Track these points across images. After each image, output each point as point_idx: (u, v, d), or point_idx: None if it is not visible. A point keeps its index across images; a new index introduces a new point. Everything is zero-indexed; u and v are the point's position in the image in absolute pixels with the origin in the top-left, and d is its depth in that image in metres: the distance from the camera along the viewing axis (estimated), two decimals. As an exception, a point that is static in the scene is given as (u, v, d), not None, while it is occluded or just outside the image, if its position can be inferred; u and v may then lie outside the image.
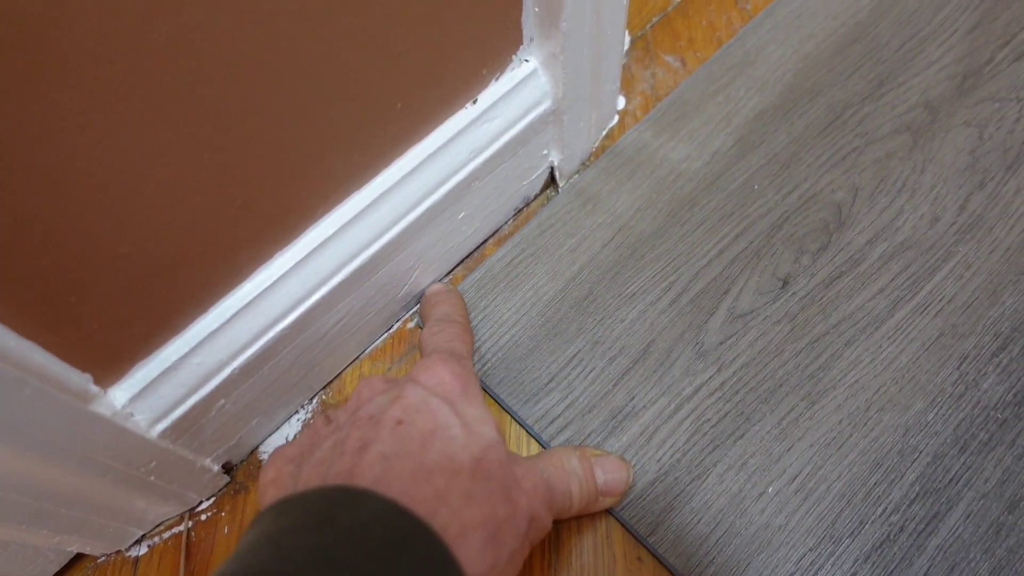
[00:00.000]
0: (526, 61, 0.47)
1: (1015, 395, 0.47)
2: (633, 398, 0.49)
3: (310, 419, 0.51)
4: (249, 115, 0.34)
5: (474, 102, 0.46)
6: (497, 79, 0.47)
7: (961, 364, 0.49)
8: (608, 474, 0.43)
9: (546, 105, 0.49)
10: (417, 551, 0.29)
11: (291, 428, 0.51)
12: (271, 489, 0.35)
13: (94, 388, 0.37)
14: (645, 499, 0.46)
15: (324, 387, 0.52)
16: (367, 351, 0.53)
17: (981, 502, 0.45)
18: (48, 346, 0.33)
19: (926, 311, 0.50)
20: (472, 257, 0.56)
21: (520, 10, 0.44)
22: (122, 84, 0.28)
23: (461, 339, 0.45)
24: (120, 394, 0.39)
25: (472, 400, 0.37)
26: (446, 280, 0.55)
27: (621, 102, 0.61)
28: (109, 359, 0.37)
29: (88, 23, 0.26)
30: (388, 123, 0.42)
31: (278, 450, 0.38)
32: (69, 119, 0.28)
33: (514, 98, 0.47)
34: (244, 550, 0.29)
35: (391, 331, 0.54)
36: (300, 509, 0.30)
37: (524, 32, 0.45)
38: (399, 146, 0.44)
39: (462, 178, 0.47)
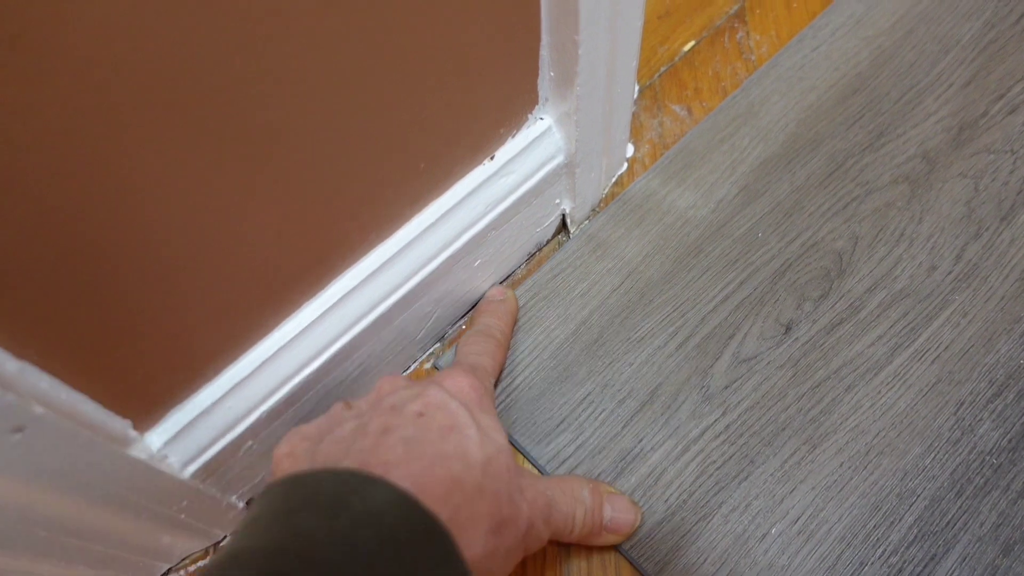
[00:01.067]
0: (541, 119, 0.50)
1: (1010, 440, 0.49)
2: (641, 440, 0.50)
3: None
4: (289, 180, 0.36)
5: (492, 158, 0.49)
6: (514, 136, 0.49)
7: (958, 410, 0.50)
8: (616, 512, 0.45)
9: (559, 159, 0.51)
10: (425, 544, 0.30)
11: (312, 465, 0.53)
12: (285, 462, 0.36)
13: (133, 433, 0.39)
14: (653, 538, 0.48)
15: (344, 425, 0.54)
16: (385, 391, 0.55)
17: (977, 545, 0.46)
18: (95, 396, 0.35)
19: (924, 358, 0.52)
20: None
21: (536, 75, 0.46)
22: (176, 150, 0.31)
23: (491, 355, 0.47)
24: (156, 438, 0.41)
25: (486, 410, 0.39)
26: (460, 324, 0.57)
27: (630, 150, 0.63)
28: (147, 406, 0.40)
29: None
30: (411, 181, 0.44)
31: (295, 428, 0.38)
32: (141, 182, 0.30)
33: (529, 154, 0.50)
34: (253, 524, 0.30)
35: (408, 372, 0.56)
36: (312, 488, 0.31)
37: (540, 93, 0.48)
38: (421, 201, 0.46)
39: (479, 229, 0.49)
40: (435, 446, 0.34)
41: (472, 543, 0.32)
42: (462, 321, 0.57)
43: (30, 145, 0.26)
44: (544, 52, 0.45)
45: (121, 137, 0.29)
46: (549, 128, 0.50)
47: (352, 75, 0.35)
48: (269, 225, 0.38)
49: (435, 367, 0.56)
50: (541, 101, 0.49)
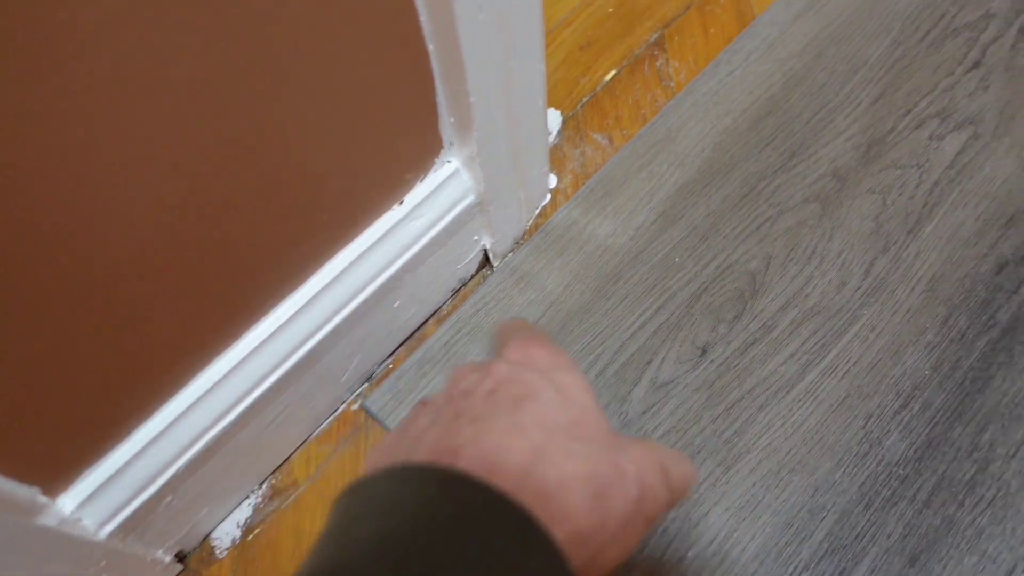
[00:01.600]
0: (448, 162, 0.51)
1: (915, 451, 0.51)
2: (562, 470, 0.52)
3: (260, 503, 0.54)
4: (192, 244, 0.37)
5: (400, 203, 0.50)
6: (422, 180, 0.50)
7: (866, 423, 0.52)
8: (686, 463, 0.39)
9: (470, 199, 0.53)
10: (496, 525, 0.27)
11: (242, 513, 0.53)
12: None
13: (42, 499, 0.39)
14: (574, 568, 0.49)
15: (273, 472, 0.55)
16: (314, 435, 0.56)
17: (885, 557, 0.48)
18: (-3, 467, 0.36)
19: (834, 373, 0.54)
20: (414, 338, 0.59)
21: (437, 122, 0.48)
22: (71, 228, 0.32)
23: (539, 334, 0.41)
24: (68, 501, 0.42)
25: (564, 368, 0.34)
26: (387, 363, 0.58)
27: (553, 181, 0.65)
28: (57, 470, 0.40)
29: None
30: (314, 234, 0.45)
31: (376, 446, 0.36)
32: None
33: (439, 196, 0.51)
34: (316, 546, 0.28)
35: (336, 413, 0.57)
36: (368, 492, 0.29)
37: (443, 139, 0.49)
38: (328, 251, 0.47)
39: (393, 272, 0.51)
40: (508, 418, 0.30)
41: (569, 513, 0.28)
42: (389, 359, 0.58)
43: None
44: (441, 101, 0.46)
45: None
46: (457, 170, 0.51)
47: (244, 140, 0.36)
48: (177, 282, 0.39)
49: (363, 407, 0.57)
50: (446, 146, 0.50)
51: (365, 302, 0.50)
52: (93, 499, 0.42)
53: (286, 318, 0.47)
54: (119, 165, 0.32)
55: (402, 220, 0.50)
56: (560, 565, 0.26)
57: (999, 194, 0.60)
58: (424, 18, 0.40)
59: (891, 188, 0.61)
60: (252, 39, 0.33)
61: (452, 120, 0.48)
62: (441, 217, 0.52)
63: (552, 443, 0.29)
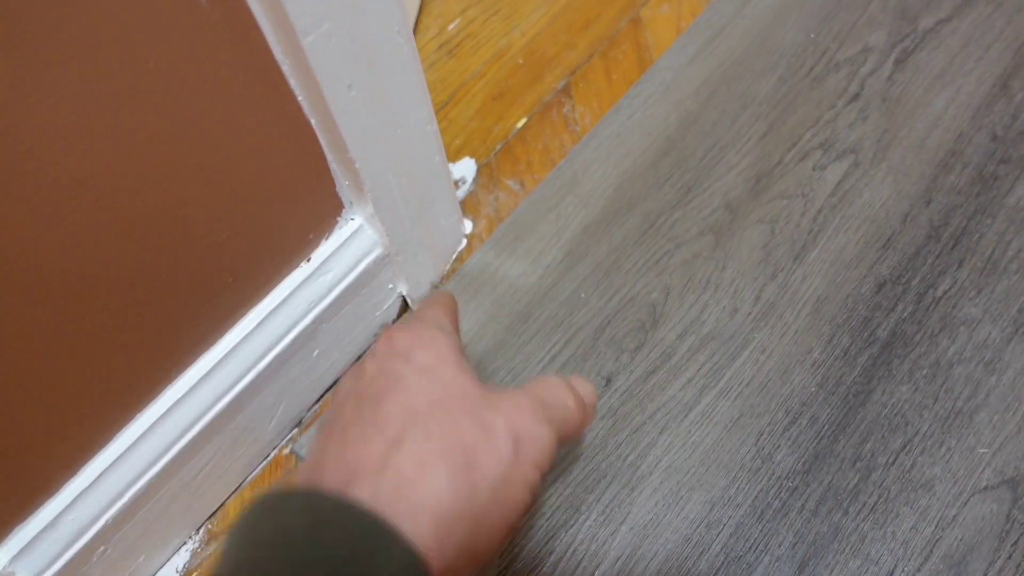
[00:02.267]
0: (352, 219, 0.55)
1: (803, 464, 0.55)
2: (476, 501, 0.55)
3: (197, 548, 0.57)
4: (96, 309, 0.41)
5: (308, 260, 0.54)
6: (327, 238, 0.54)
7: (758, 440, 0.56)
8: (587, 388, 0.39)
9: (377, 252, 0.57)
10: (344, 536, 0.27)
11: (180, 558, 0.56)
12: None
13: (-29, 558, 0.42)
14: (488, 594, 0.52)
15: (209, 517, 0.58)
16: (247, 480, 0.59)
17: (776, 564, 0.51)
18: (-81, 532, 0.39)
19: (727, 395, 0.58)
20: (338, 382, 0.63)
21: (333, 185, 0.52)
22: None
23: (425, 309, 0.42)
24: (2, 556, 0.44)
25: (426, 344, 0.34)
26: (315, 407, 0.61)
27: (468, 226, 0.69)
28: (-16, 530, 0.43)
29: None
30: (221, 294, 0.49)
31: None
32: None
33: (345, 252, 0.55)
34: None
35: (268, 459, 0.60)
36: (241, 525, 0.30)
37: (343, 198, 0.53)
38: (239, 309, 0.51)
39: (306, 325, 0.54)
40: (371, 418, 0.31)
41: (432, 496, 0.28)
42: (317, 405, 0.62)
43: None
44: (333, 167, 0.50)
45: None
46: (360, 227, 0.55)
47: (151, 214, 0.40)
48: (94, 346, 0.42)
49: (293, 452, 0.60)
50: (347, 205, 0.54)
51: (281, 354, 0.54)
52: (25, 552, 0.45)
53: (204, 373, 0.50)
54: (21, 234, 0.36)
55: (311, 276, 0.54)
56: (416, 565, 0.27)
57: (877, 217, 0.65)
58: (300, 97, 0.44)
59: (778, 218, 0.66)
60: (150, 120, 0.37)
61: (347, 183, 0.52)
62: (349, 271, 0.56)
63: (411, 429, 0.30)
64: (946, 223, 0.64)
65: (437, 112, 0.76)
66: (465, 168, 0.73)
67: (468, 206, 0.71)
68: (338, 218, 0.54)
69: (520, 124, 0.76)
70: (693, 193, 0.68)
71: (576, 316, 0.62)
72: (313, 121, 0.46)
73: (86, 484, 0.47)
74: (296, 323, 0.54)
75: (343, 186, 0.52)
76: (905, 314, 0.60)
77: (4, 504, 0.44)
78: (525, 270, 0.65)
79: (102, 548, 0.49)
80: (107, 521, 0.48)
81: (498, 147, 0.74)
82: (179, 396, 0.50)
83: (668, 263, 0.64)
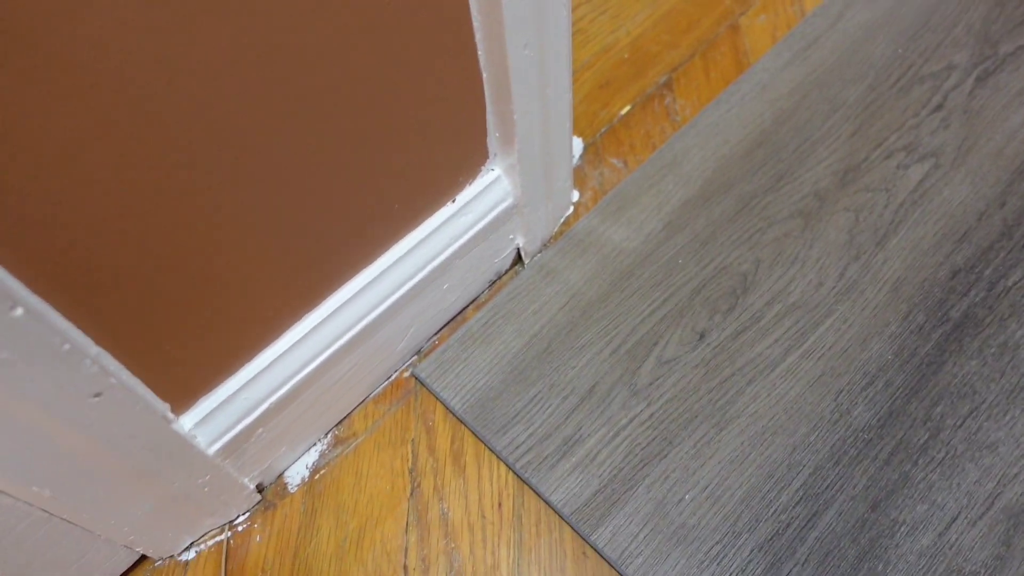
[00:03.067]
0: (492, 170, 0.63)
1: (879, 420, 0.60)
2: (580, 428, 0.62)
3: (325, 449, 0.64)
4: (296, 220, 0.49)
5: (453, 201, 0.61)
6: (471, 183, 0.62)
7: (837, 397, 0.62)
8: None
9: (508, 202, 0.64)
10: None
11: (310, 457, 0.64)
12: None
13: (171, 415, 0.50)
14: (589, 506, 0.58)
15: (337, 424, 0.65)
16: (371, 395, 0.66)
17: (850, 503, 0.57)
18: (146, 381, 0.47)
19: (811, 356, 0.64)
20: (456, 320, 0.70)
21: (485, 135, 0.59)
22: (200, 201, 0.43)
23: None
24: (188, 420, 0.52)
25: None
26: (434, 339, 0.69)
27: (575, 196, 0.76)
28: (182, 394, 0.51)
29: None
30: (389, 218, 0.57)
31: None
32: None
33: (484, 198, 0.63)
34: None
35: (390, 380, 0.67)
36: None
37: (489, 149, 0.61)
38: (396, 235, 0.59)
39: (445, 258, 0.62)
40: None
41: None
42: (436, 336, 0.69)
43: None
44: (490, 118, 0.58)
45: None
46: (499, 177, 0.63)
47: (337, 147, 0.48)
48: (280, 252, 0.50)
49: (413, 375, 0.67)
50: (491, 155, 0.62)
51: (421, 281, 0.61)
52: (206, 421, 0.53)
53: (358, 288, 0.58)
54: (255, 165, 0.44)
55: (454, 215, 0.61)
56: None
57: (955, 214, 0.71)
58: (481, 50, 0.52)
59: (863, 207, 0.72)
60: (362, 54, 0.45)
61: (497, 135, 0.60)
62: (485, 214, 0.63)
63: None
64: (1019, 223, 0.69)
65: (549, 93, 0.84)
66: (574, 145, 0.80)
67: (575, 179, 0.78)
68: (482, 166, 0.62)
69: (624, 111, 0.83)
70: (785, 180, 0.74)
71: (674, 278, 0.69)
72: (486, 74, 0.54)
73: (258, 370, 0.55)
74: (437, 255, 0.61)
75: (493, 137, 0.60)
76: (977, 299, 0.65)
77: (195, 377, 0.52)
78: (628, 235, 0.72)
79: (260, 430, 0.57)
80: (270, 405, 0.56)
81: (603, 129, 0.82)
82: (338, 305, 0.57)
83: (760, 239, 0.71)
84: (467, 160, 0.60)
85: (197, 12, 0.36)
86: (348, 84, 0.46)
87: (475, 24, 0.50)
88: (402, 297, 0.60)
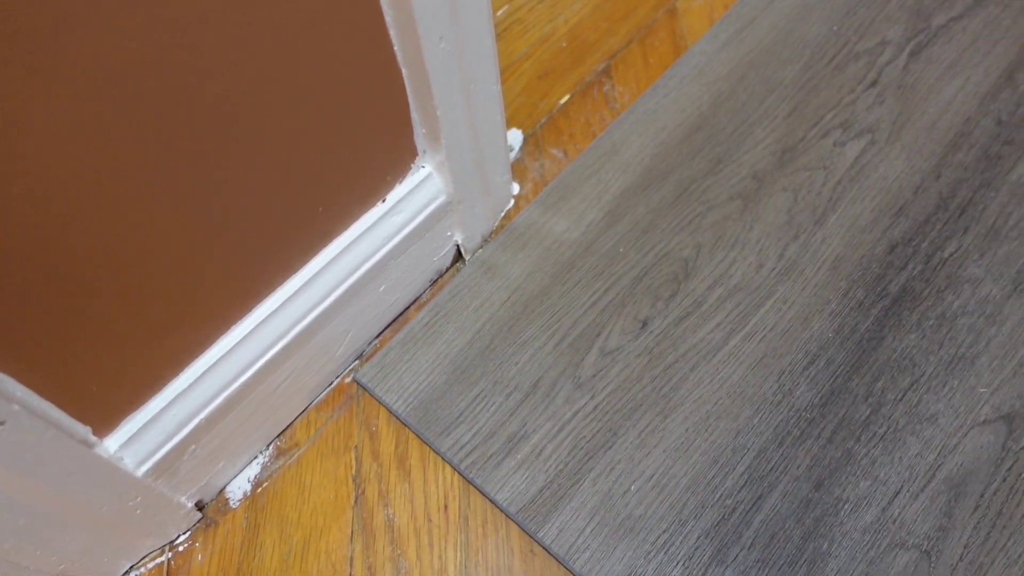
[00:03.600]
0: (423, 167, 0.62)
1: (820, 399, 0.61)
2: (525, 424, 0.61)
3: (267, 461, 0.63)
4: (214, 230, 0.47)
5: (383, 200, 0.60)
6: (401, 182, 0.61)
7: (780, 378, 0.62)
8: None
9: (442, 199, 0.63)
10: None
11: (252, 470, 0.62)
12: None
13: (93, 438, 0.48)
14: (535, 503, 0.57)
15: (278, 435, 0.64)
16: (313, 403, 0.65)
17: (794, 484, 0.57)
18: (60, 404, 0.45)
19: (752, 338, 0.64)
20: (398, 321, 0.69)
21: (411, 131, 0.58)
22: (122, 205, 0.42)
23: None
24: (112, 442, 0.50)
25: None
26: (375, 342, 0.68)
27: (515, 188, 0.75)
28: (103, 414, 0.49)
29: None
30: (315, 221, 0.55)
31: None
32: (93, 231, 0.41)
33: (415, 196, 0.61)
34: None
35: (332, 386, 0.66)
36: None
37: (417, 146, 0.60)
38: (326, 237, 0.57)
39: (379, 259, 0.60)
40: None
41: None
42: (377, 339, 0.68)
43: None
44: (414, 115, 0.57)
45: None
46: (430, 174, 0.62)
47: (257, 145, 0.47)
48: (201, 259, 0.49)
49: (355, 380, 0.66)
50: (420, 153, 0.60)
51: (356, 283, 0.60)
52: (132, 441, 0.51)
53: (290, 294, 0.57)
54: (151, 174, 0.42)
55: (385, 215, 0.60)
56: None
57: (891, 189, 0.71)
58: (397, 46, 0.51)
59: (801, 187, 0.72)
60: (276, 53, 0.44)
61: (424, 131, 0.59)
62: (418, 213, 0.62)
63: None
64: (953, 195, 0.70)
65: (487, 86, 0.83)
66: (513, 137, 0.79)
67: (515, 171, 0.77)
68: (411, 164, 0.61)
69: (563, 100, 0.82)
70: (723, 164, 0.74)
71: (615, 267, 0.69)
72: (405, 71, 0.53)
73: (186, 385, 0.53)
74: (370, 257, 0.60)
75: (419, 134, 0.59)
76: (915, 272, 0.66)
77: (118, 396, 0.50)
78: (568, 227, 0.72)
79: (193, 447, 0.55)
80: (200, 420, 0.54)
81: (543, 120, 0.81)
82: (269, 312, 0.56)
83: (700, 224, 0.71)
84: (394, 158, 0.59)
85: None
86: (258, 83, 0.44)
87: (387, 18, 0.49)
88: (336, 301, 0.59)
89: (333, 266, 0.58)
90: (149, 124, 0.40)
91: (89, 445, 0.48)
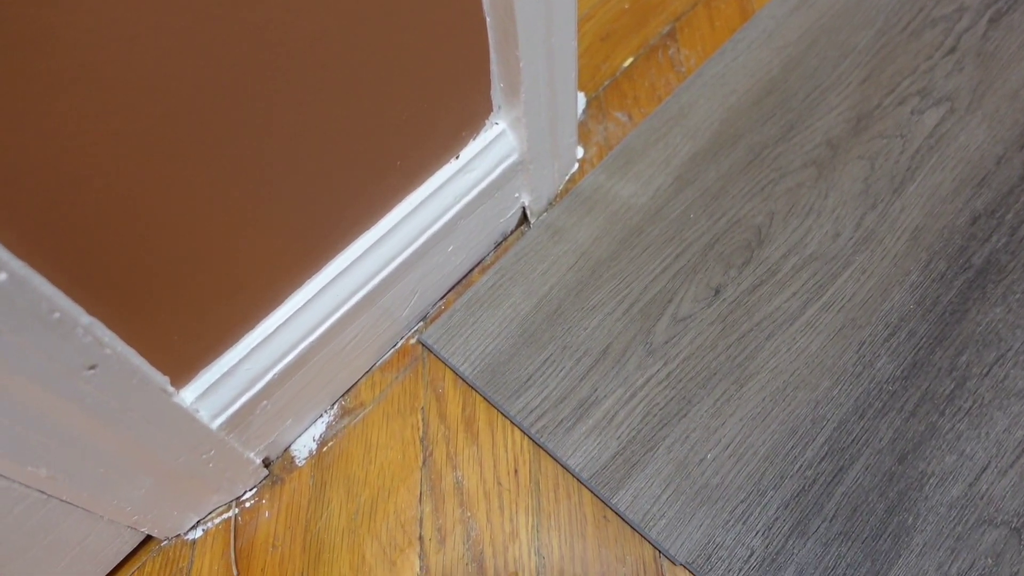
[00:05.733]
0: (496, 124, 0.60)
1: (903, 371, 0.59)
2: (596, 390, 0.60)
3: (332, 420, 0.62)
4: (295, 181, 0.46)
5: (457, 157, 0.58)
6: (475, 139, 0.59)
7: (860, 349, 0.60)
8: None
9: (514, 158, 0.61)
10: None
11: (317, 429, 0.61)
12: None
13: (171, 388, 0.47)
14: (608, 469, 0.56)
15: (343, 394, 0.63)
16: (377, 364, 0.64)
17: (876, 456, 0.55)
18: (142, 352, 0.44)
19: (831, 308, 0.62)
20: (462, 283, 0.67)
21: (489, 86, 0.56)
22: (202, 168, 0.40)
23: None
24: (189, 394, 0.50)
25: None
26: (439, 304, 0.66)
27: (580, 152, 0.74)
28: (182, 366, 0.49)
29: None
30: (391, 176, 0.54)
31: None
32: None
33: (488, 153, 0.60)
34: None
35: (396, 347, 0.65)
36: None
37: (494, 102, 0.58)
38: (398, 195, 0.56)
39: (449, 218, 0.59)
40: None
41: None
42: (442, 302, 0.66)
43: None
44: (494, 67, 0.55)
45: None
46: (504, 131, 0.60)
47: (338, 95, 0.45)
48: (277, 214, 0.47)
49: (420, 341, 0.65)
50: (495, 108, 0.59)
51: (426, 243, 0.58)
52: (208, 394, 0.50)
53: (363, 250, 0.55)
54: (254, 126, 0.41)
55: (459, 172, 0.58)
56: None
57: (973, 159, 0.69)
58: (489, -6, 0.49)
59: (878, 155, 0.70)
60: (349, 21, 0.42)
61: (502, 85, 0.57)
62: (491, 171, 0.60)
63: None
64: (1039, 166, 0.67)
65: (548, 47, 0.81)
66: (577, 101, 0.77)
67: (579, 135, 0.75)
68: (486, 120, 0.59)
69: (627, 63, 0.80)
70: (796, 130, 0.72)
71: (686, 233, 0.67)
72: (490, 19, 0.51)
73: (260, 339, 0.52)
74: (441, 215, 0.58)
75: (497, 89, 0.57)
76: (999, 245, 0.64)
77: (195, 348, 0.49)
78: (636, 191, 0.70)
79: (265, 402, 0.54)
80: (273, 376, 0.53)
81: (606, 83, 0.79)
82: (340, 270, 0.55)
83: (773, 191, 0.68)
84: (471, 113, 0.57)
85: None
86: (341, 31, 0.43)
87: (477, -38, 0.47)
88: (406, 261, 0.58)
89: (404, 225, 0.57)
90: (227, 73, 0.39)
91: (168, 395, 0.47)
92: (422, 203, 0.57)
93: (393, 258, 0.57)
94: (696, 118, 0.74)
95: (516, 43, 0.51)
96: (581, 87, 0.78)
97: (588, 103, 0.77)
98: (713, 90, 0.75)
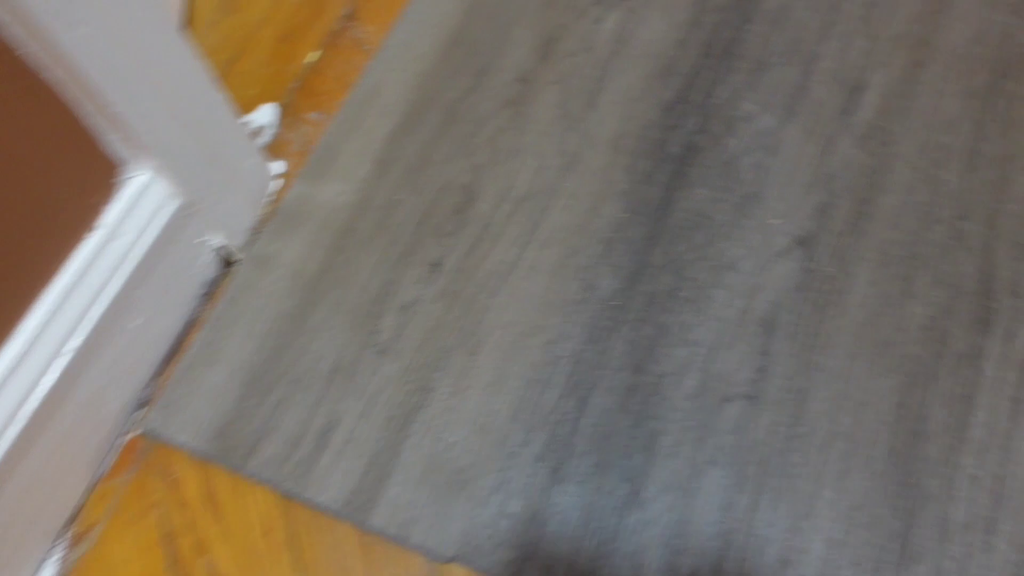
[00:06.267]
0: (136, 176, 0.55)
1: (624, 282, 0.57)
2: (332, 414, 0.56)
3: (65, 555, 0.55)
4: None
5: (93, 229, 0.53)
6: (110, 202, 0.54)
7: (581, 274, 0.58)
8: None
9: (177, 203, 0.56)
10: None
11: (48, 571, 0.54)
12: None
13: None
14: (359, 493, 0.53)
15: (69, 523, 0.56)
16: (101, 472, 0.57)
17: (615, 375, 0.54)
18: None
19: (548, 244, 0.60)
20: (178, 351, 0.62)
21: (94, 144, 0.51)
22: None
23: None
24: None
25: None
26: (154, 383, 0.61)
27: (281, 166, 0.69)
28: None
29: None
30: (12, 277, 0.48)
31: None
32: None
33: (137, 211, 0.55)
34: None
35: (116, 446, 0.58)
36: None
37: (116, 157, 0.53)
38: (29, 293, 0.50)
39: (116, 294, 0.54)
40: None
41: None
42: (161, 377, 0.61)
43: None
44: (92, 122, 0.49)
45: None
46: (151, 181, 0.55)
47: None
48: None
49: (144, 433, 0.59)
50: (122, 162, 0.53)
51: (93, 332, 0.53)
52: None
53: (8, 367, 0.49)
54: None
55: (105, 243, 0.53)
56: None
57: (656, 51, 0.67)
58: (29, 52, 0.43)
59: (569, 75, 0.68)
60: None
61: (116, 136, 0.51)
62: (146, 227, 0.55)
63: None
64: (715, 38, 0.66)
65: (228, 68, 0.76)
66: (266, 114, 0.72)
67: (279, 148, 0.70)
68: (114, 179, 0.54)
69: (312, 58, 0.75)
70: (487, 74, 0.69)
71: (395, 217, 0.63)
72: (47, 74, 0.45)
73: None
74: (98, 295, 0.53)
75: (112, 141, 0.52)
76: (693, 127, 0.62)
77: None
78: (340, 189, 0.66)
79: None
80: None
81: (293, 85, 0.74)
82: (-4, 389, 0.49)
83: (474, 144, 0.66)
84: (87, 179, 0.52)
85: None
86: None
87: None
88: (71, 362, 0.52)
89: (51, 325, 0.51)
90: None
91: None
92: (66, 291, 0.51)
93: (49, 362, 0.51)
94: (388, 94, 0.70)
95: (93, 90, 0.46)
96: (272, 97, 0.74)
97: (282, 110, 0.73)
98: (401, 60, 0.72)
